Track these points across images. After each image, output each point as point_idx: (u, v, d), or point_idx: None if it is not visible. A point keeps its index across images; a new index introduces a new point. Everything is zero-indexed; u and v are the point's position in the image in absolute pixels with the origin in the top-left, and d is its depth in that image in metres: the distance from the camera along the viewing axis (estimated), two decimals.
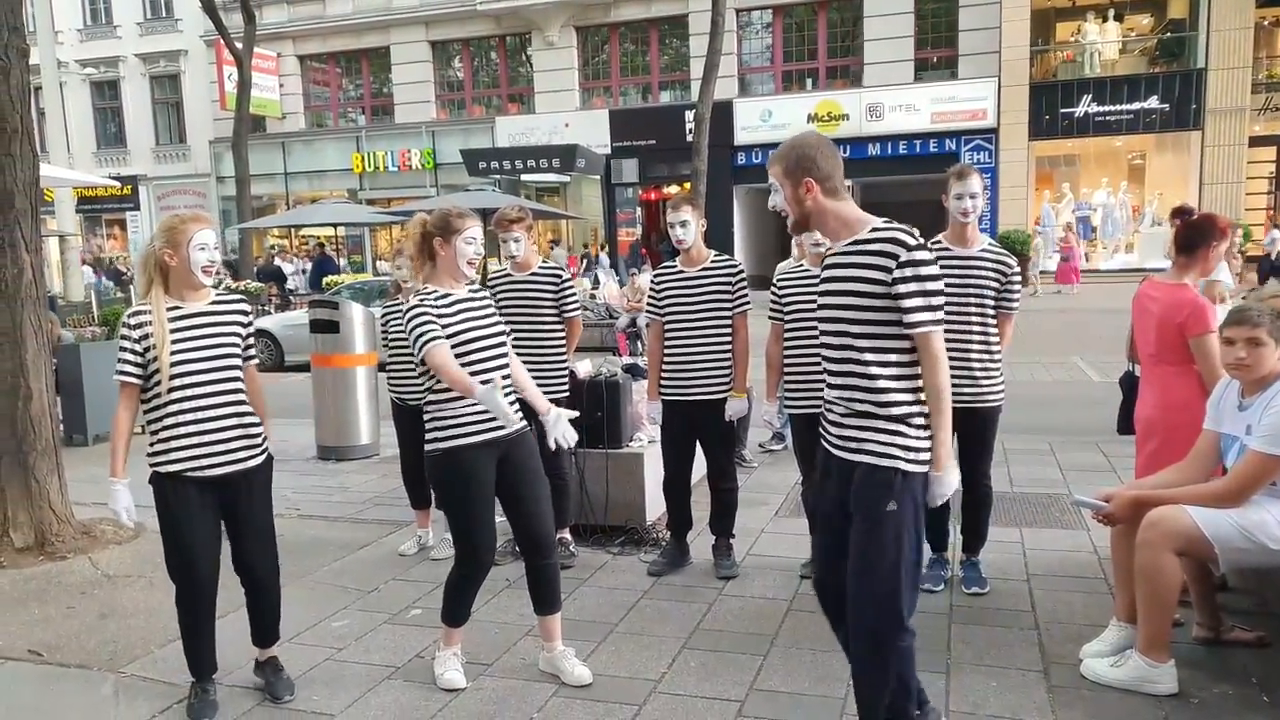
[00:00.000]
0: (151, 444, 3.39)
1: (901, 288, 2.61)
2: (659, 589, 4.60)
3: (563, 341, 4.95)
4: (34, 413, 5.46)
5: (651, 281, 4.86)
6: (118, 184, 21.23)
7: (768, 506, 5.82)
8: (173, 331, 3.29)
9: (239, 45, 21.05)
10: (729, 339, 4.61)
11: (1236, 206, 20.97)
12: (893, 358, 2.68)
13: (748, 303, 4.65)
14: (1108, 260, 22.67)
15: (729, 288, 4.60)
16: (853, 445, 2.76)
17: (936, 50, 22.94)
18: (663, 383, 4.72)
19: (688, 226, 4.57)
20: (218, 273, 3.42)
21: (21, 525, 5.37)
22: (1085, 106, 21.82)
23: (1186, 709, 3.23)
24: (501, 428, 3.51)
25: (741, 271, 4.67)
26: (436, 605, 4.42)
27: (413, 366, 5.06)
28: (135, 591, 4.82)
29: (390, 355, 5.21)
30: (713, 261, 4.64)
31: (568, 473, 5.09)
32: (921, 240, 2.67)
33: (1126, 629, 3.54)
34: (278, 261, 23.47)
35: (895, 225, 2.68)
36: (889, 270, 2.62)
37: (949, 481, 2.74)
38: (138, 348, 3.31)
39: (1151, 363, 4.04)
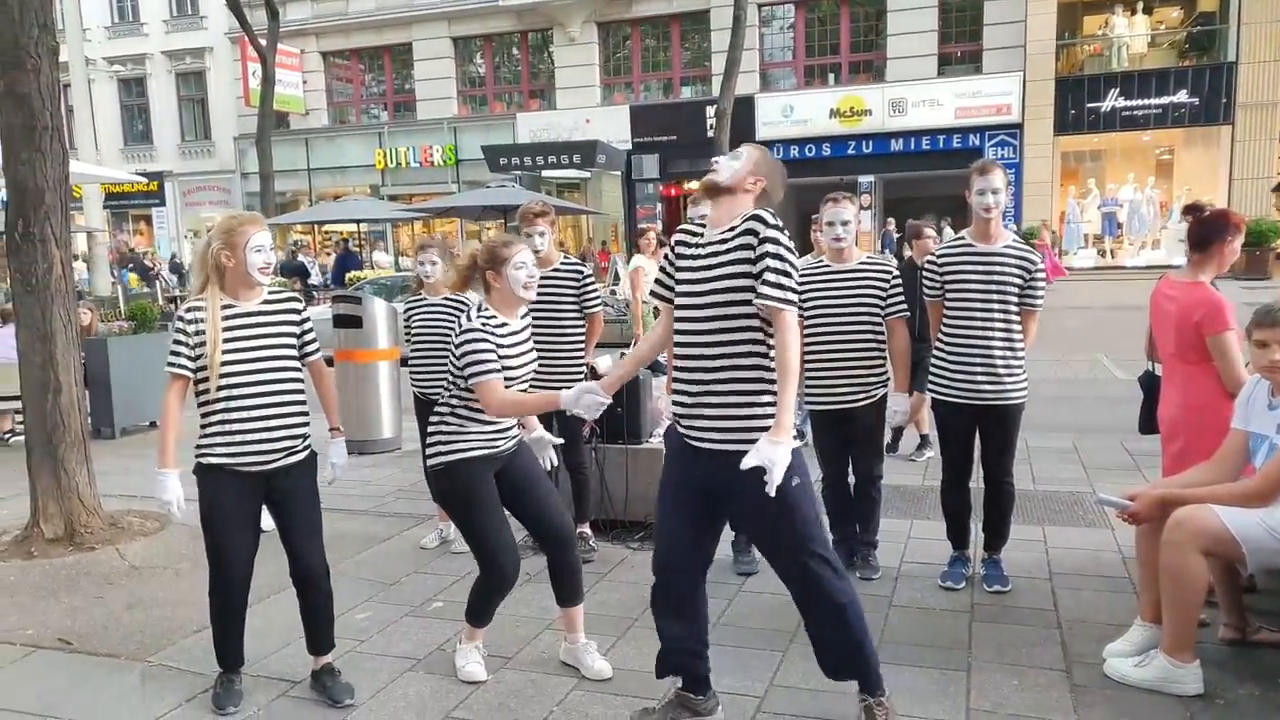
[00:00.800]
0: (201, 437, 3.43)
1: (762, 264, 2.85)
2: None
3: (582, 337, 4.96)
4: (63, 405, 5.53)
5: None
6: (144, 180, 21.43)
7: None
8: (225, 330, 3.32)
9: (263, 42, 21.20)
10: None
11: (1266, 203, 20.71)
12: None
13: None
14: (1134, 257, 22.43)
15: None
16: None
17: (960, 44, 22.78)
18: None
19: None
20: (274, 273, 3.43)
21: (51, 517, 5.45)
22: (1112, 101, 21.58)
23: (1211, 710, 3.21)
24: (503, 444, 3.57)
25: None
26: (458, 599, 4.46)
27: (435, 361, 5.11)
28: (162, 583, 4.88)
29: (413, 350, 5.24)
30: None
31: (588, 468, 5.11)
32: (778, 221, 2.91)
33: (1151, 629, 3.51)
34: (300, 257, 23.62)
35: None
36: (752, 249, 2.87)
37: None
38: (191, 340, 3.32)
39: (1172, 361, 4.00)
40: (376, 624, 4.21)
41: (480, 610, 3.67)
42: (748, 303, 2.89)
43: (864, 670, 3.11)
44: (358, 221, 23.76)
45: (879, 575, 4.56)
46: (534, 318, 4.58)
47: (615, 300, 14.79)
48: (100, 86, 28.57)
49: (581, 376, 4.97)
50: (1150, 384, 4.30)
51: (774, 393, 2.90)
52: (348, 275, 19.26)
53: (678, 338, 3.03)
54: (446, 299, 5.15)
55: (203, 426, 3.41)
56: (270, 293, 3.47)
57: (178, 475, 3.42)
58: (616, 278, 14.57)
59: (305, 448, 3.53)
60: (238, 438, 3.36)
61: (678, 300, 3.05)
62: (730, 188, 3.01)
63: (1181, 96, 21.25)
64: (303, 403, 3.48)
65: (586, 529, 5.09)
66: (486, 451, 3.52)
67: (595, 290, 4.99)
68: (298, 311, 3.53)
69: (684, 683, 3.26)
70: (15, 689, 3.73)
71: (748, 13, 17.59)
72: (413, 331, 5.23)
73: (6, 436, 8.68)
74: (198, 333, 3.31)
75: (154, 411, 9.13)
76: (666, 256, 3.18)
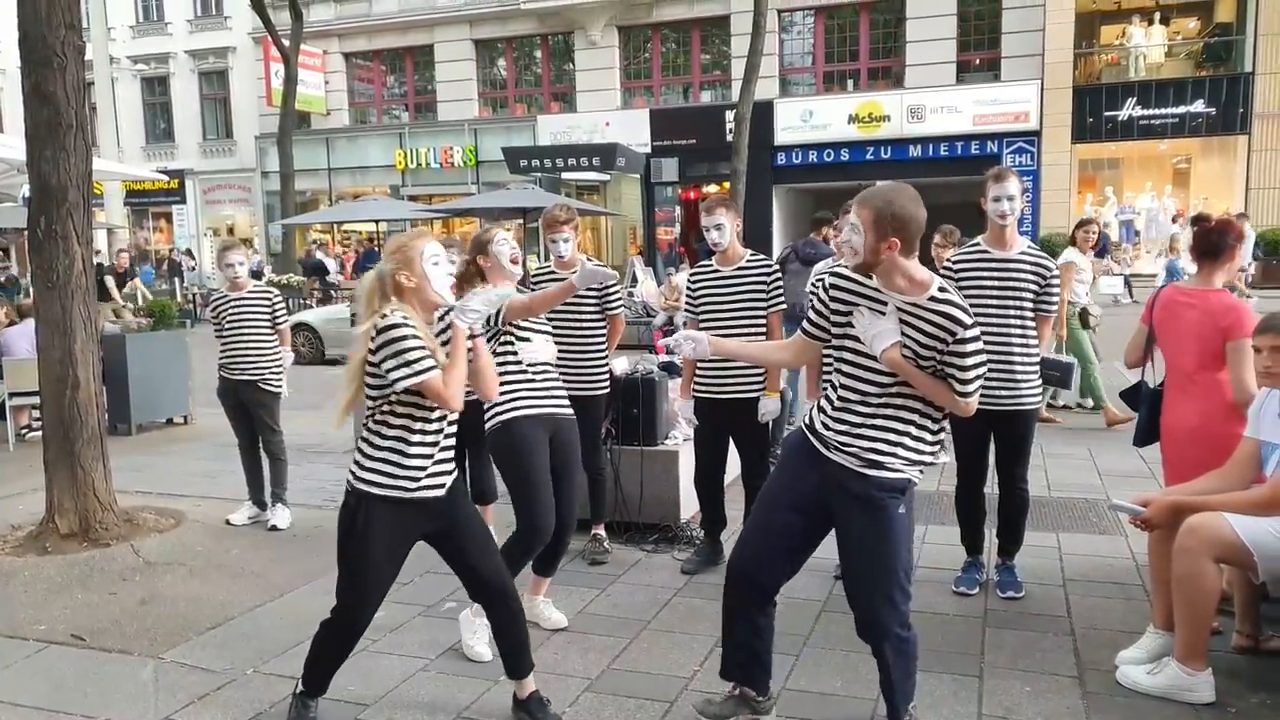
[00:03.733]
0: (373, 460, 3.09)
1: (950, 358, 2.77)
2: (692, 587, 4.61)
3: (603, 339, 4.96)
4: (81, 401, 5.57)
5: (687, 280, 4.87)
6: (165, 178, 21.57)
7: None
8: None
9: (286, 42, 21.35)
10: (763, 338, 4.59)
11: None
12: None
13: (783, 303, 4.65)
14: (1151, 264, 22.28)
15: (764, 287, 4.60)
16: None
17: (979, 52, 22.70)
18: (696, 381, 4.72)
19: (723, 230, 4.58)
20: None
21: (67, 512, 5.49)
22: (1129, 110, 21.48)
23: (1223, 719, 3.19)
24: (549, 405, 3.92)
25: (777, 271, 4.68)
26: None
27: None
28: (176, 579, 4.92)
29: None
30: (748, 261, 4.64)
31: (604, 469, 5.12)
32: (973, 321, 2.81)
33: (1164, 636, 3.50)
34: (319, 255, 23.76)
35: (953, 300, 2.80)
36: (945, 343, 2.76)
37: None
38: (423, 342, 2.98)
39: (1189, 371, 3.94)
40: (389, 623, 4.22)
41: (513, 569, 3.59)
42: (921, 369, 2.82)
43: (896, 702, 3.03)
44: (377, 221, 23.85)
45: None
46: (556, 319, 4.61)
47: (633, 303, 14.81)
48: (124, 84, 28.80)
49: (604, 376, 4.97)
50: (1151, 397, 4.21)
51: (920, 437, 2.91)
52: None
53: (847, 368, 2.94)
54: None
55: (375, 448, 3.09)
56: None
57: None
58: (634, 280, 14.57)
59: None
60: (427, 461, 3.15)
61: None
62: (869, 264, 2.82)
63: (1198, 106, 21.12)
64: None
65: (601, 530, 5.10)
66: (536, 411, 3.91)
67: (618, 292, 5.01)
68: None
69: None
70: (28, 684, 3.76)
71: (768, 18, 17.58)
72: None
73: (23, 432, 8.76)
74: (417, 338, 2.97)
75: (170, 408, 9.21)
76: (819, 298, 3.03)
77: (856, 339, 2.90)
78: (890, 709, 3.03)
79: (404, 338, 2.93)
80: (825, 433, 2.96)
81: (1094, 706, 3.31)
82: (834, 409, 2.96)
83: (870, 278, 2.89)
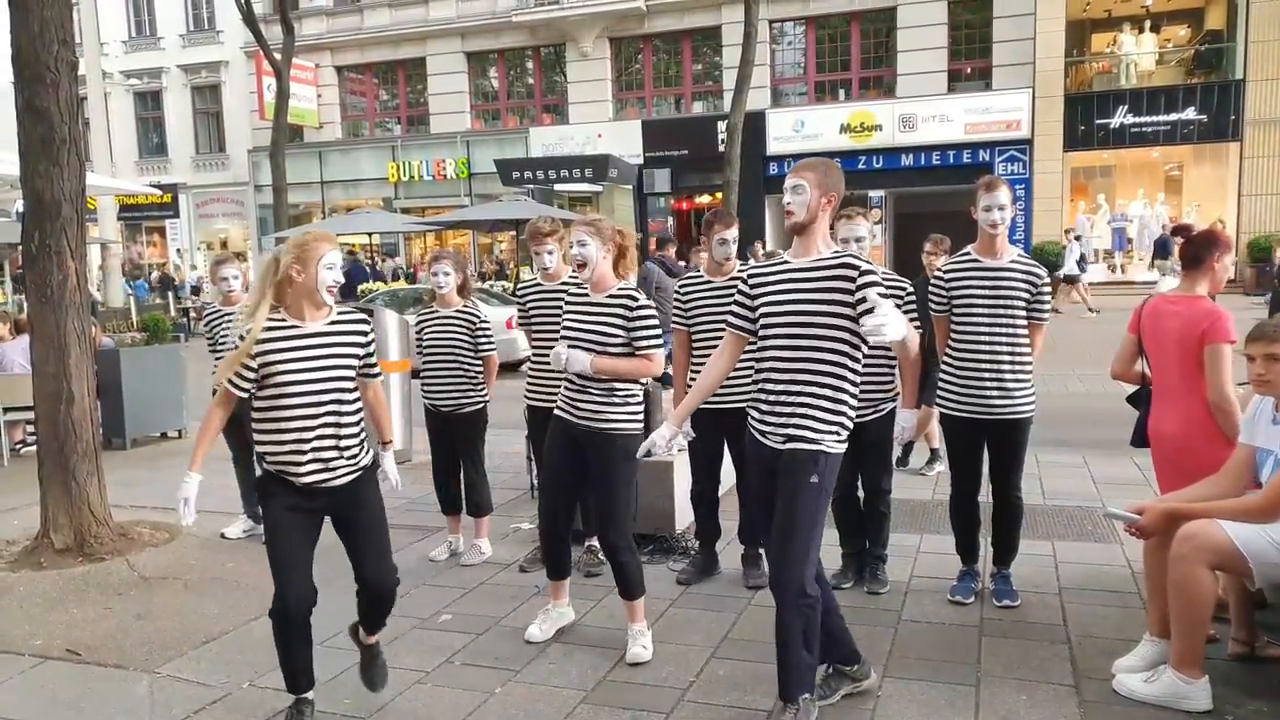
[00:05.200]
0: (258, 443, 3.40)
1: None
2: (688, 598, 4.61)
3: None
4: (75, 416, 5.57)
5: (677, 290, 4.86)
6: (158, 192, 21.58)
7: None
8: (290, 348, 3.26)
9: (278, 56, 21.38)
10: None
11: (1275, 219, 20.65)
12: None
13: None
14: (1144, 272, 22.38)
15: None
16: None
17: (970, 61, 22.81)
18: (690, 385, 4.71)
19: (726, 245, 4.62)
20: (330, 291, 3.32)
21: (61, 527, 5.48)
22: (1121, 118, 21.60)
23: None
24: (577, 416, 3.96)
25: None
26: (466, 611, 4.48)
27: (447, 373, 5.15)
28: (170, 594, 4.90)
29: (425, 362, 5.26)
30: (739, 271, 4.64)
31: None
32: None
33: (1160, 644, 3.51)
34: None
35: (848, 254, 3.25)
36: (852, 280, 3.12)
37: None
38: (253, 364, 3.26)
39: (1173, 378, 3.98)
40: (384, 636, 4.20)
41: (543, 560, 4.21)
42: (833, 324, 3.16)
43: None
44: (370, 234, 23.86)
45: (888, 589, 4.55)
46: (543, 330, 4.60)
47: None
48: (116, 99, 28.80)
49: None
50: (1149, 399, 4.24)
51: (839, 400, 3.20)
52: (360, 287, 19.34)
53: (770, 358, 3.27)
54: (459, 311, 5.18)
55: (258, 433, 3.40)
56: (339, 313, 3.40)
57: (198, 481, 3.54)
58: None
59: (359, 468, 3.47)
60: (288, 449, 3.34)
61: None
62: (810, 220, 3.22)
63: (1190, 114, 21.25)
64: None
65: (596, 542, 5.09)
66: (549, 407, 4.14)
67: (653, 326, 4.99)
68: (365, 332, 3.44)
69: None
70: (24, 699, 3.75)
71: (759, 29, 17.66)
72: (424, 344, 5.25)
73: (18, 447, 8.73)
74: (261, 353, 3.25)
75: (165, 422, 9.19)
76: (741, 292, 3.39)
77: (772, 324, 3.22)
78: (783, 686, 3.19)
79: (234, 345, 3.31)
80: (762, 426, 3.28)
81: (1091, 715, 3.31)
82: (767, 405, 3.26)
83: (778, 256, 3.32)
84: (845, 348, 3.18)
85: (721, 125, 20.40)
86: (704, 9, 24.23)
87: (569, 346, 3.91)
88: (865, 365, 4.45)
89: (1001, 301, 4.15)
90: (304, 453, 3.29)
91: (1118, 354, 4.32)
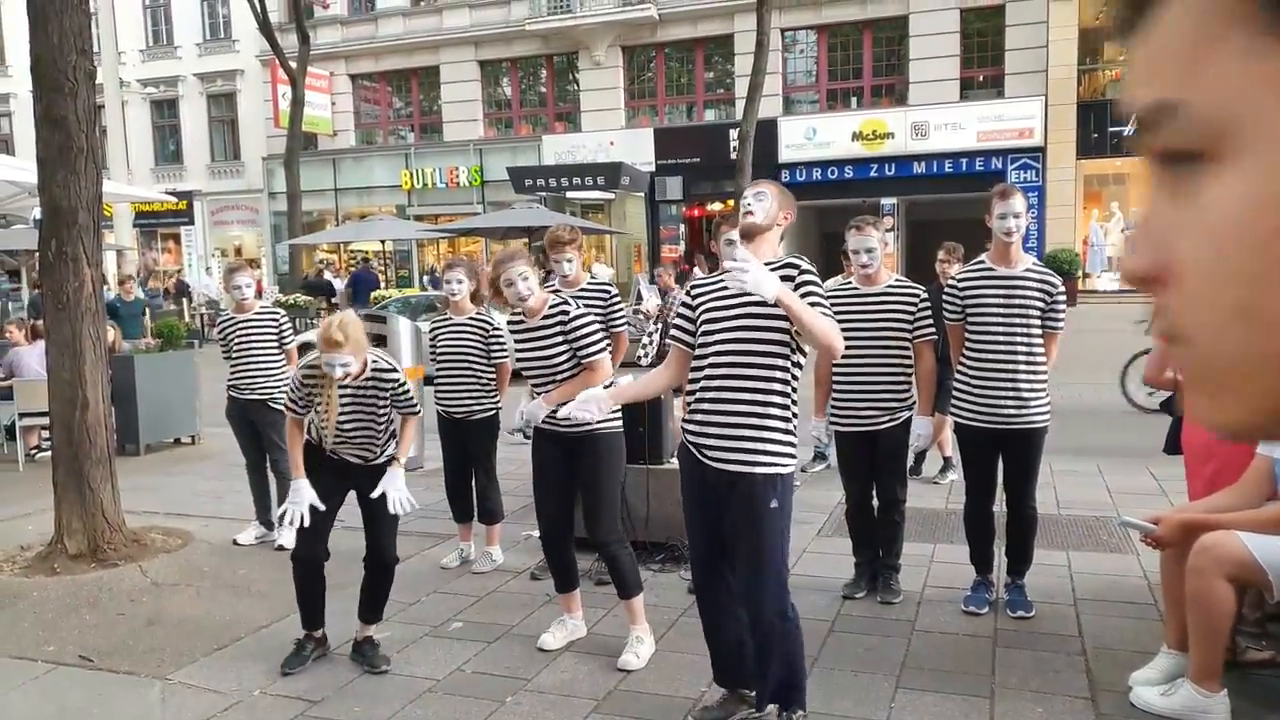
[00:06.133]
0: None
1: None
2: (697, 610, 4.58)
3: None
4: (90, 422, 5.59)
5: (688, 291, 4.85)
6: (174, 199, 21.69)
7: (810, 526, 5.79)
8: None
9: (293, 65, 21.50)
10: None
11: None
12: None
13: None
14: None
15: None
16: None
17: (983, 69, 22.76)
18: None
19: (735, 246, 4.58)
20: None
21: (75, 532, 5.49)
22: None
23: None
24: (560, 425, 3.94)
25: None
26: (478, 619, 4.48)
27: (459, 380, 5.16)
28: (183, 600, 4.91)
29: (438, 369, 5.27)
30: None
31: None
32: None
33: (1177, 656, 3.47)
34: (328, 275, 23.84)
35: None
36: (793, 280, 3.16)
37: None
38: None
39: None
40: (396, 643, 4.21)
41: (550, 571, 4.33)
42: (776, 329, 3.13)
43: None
44: (383, 241, 23.92)
45: (901, 599, 4.52)
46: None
47: (636, 319, 14.81)
48: (133, 107, 28.98)
49: None
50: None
51: (788, 416, 3.16)
52: (373, 294, 19.40)
53: (708, 369, 3.20)
54: (471, 318, 5.20)
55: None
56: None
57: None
58: (640, 297, 14.61)
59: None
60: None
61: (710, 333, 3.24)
62: (767, 227, 3.31)
63: None
64: None
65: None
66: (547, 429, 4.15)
67: (621, 309, 5.02)
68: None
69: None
70: (36, 705, 3.76)
71: (771, 37, 17.66)
72: (437, 350, 5.26)
73: (33, 452, 8.77)
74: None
75: (178, 428, 9.22)
76: (684, 303, 3.38)
77: (714, 341, 3.17)
78: (783, 702, 3.20)
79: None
80: (701, 441, 3.19)
81: None
82: (703, 417, 3.18)
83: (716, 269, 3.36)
84: (789, 364, 3.13)
85: (733, 133, 20.40)
86: (716, 17, 24.26)
87: (529, 398, 4.11)
88: (880, 372, 4.47)
89: (1017, 310, 4.13)
90: None
91: (1151, 359, 4.27)
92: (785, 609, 3.13)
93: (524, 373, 4.20)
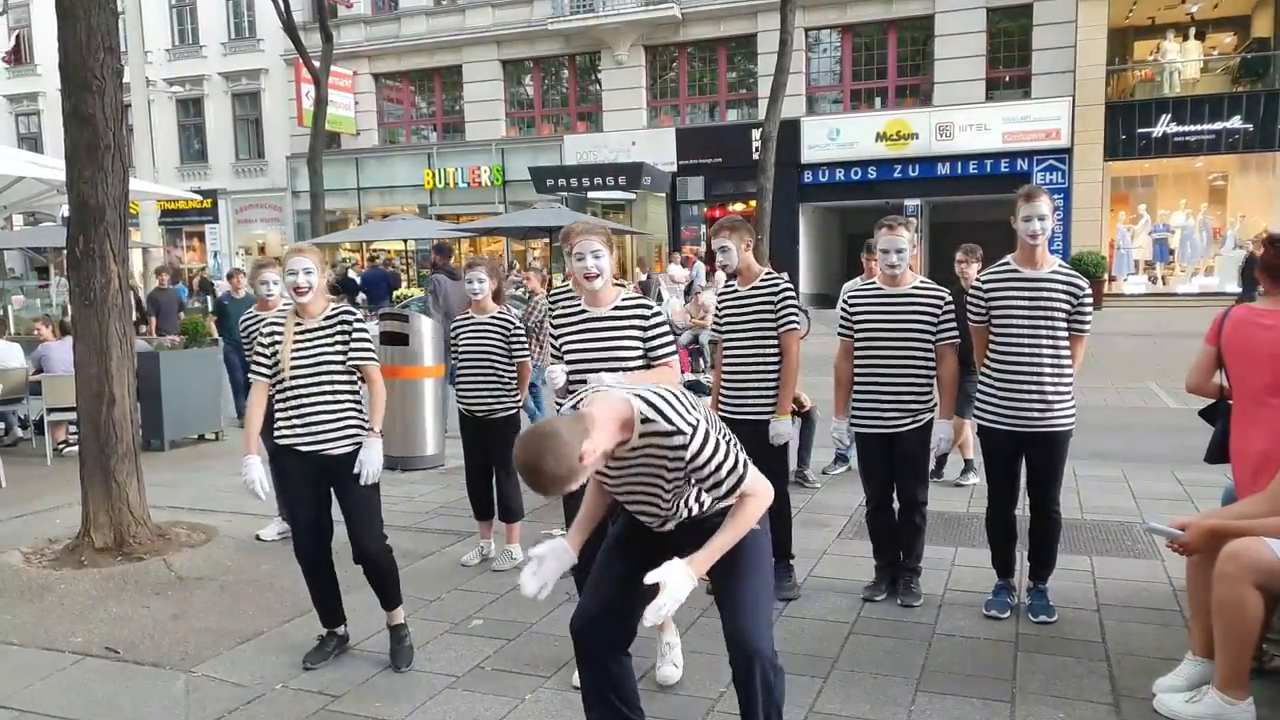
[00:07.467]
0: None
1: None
2: (717, 609, 4.57)
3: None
4: (116, 417, 5.65)
5: (717, 299, 4.87)
6: (199, 197, 21.93)
7: (829, 529, 5.77)
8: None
9: (317, 64, 21.65)
10: (774, 359, 4.48)
11: None
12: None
13: (793, 322, 4.50)
14: (1186, 284, 22.04)
15: (772, 306, 4.49)
16: None
17: (1009, 69, 22.62)
18: (720, 401, 4.69)
19: (729, 252, 4.49)
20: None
21: (102, 526, 5.56)
22: (1164, 126, 21.27)
23: None
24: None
25: (786, 290, 4.51)
26: (498, 617, 4.50)
27: (482, 378, 5.18)
28: (207, 594, 4.96)
29: (459, 367, 5.29)
30: (761, 280, 4.56)
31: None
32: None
33: (1203, 663, 3.43)
34: (351, 274, 23.99)
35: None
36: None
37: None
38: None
39: (1262, 392, 3.73)
40: (416, 640, 4.22)
41: None
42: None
43: None
44: (405, 240, 24.04)
45: (921, 602, 4.50)
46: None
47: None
48: (159, 106, 29.27)
49: None
50: (1228, 414, 4.06)
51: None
52: (395, 293, 19.51)
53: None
54: (493, 317, 5.22)
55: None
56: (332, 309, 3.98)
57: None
58: (659, 298, 14.62)
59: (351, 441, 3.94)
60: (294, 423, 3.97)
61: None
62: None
63: (1235, 123, 20.88)
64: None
65: None
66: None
67: (666, 334, 4.97)
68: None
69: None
70: (62, 695, 3.80)
71: (794, 36, 17.61)
72: (459, 349, 5.28)
73: (60, 447, 8.87)
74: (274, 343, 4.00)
75: (203, 425, 9.30)
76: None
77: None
78: None
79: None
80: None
81: None
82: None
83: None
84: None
85: (756, 133, 20.36)
86: (739, 17, 24.23)
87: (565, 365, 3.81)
88: (902, 373, 4.45)
89: (1042, 312, 4.10)
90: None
91: (1195, 365, 4.06)
92: (774, 652, 2.93)
93: (572, 360, 3.82)
